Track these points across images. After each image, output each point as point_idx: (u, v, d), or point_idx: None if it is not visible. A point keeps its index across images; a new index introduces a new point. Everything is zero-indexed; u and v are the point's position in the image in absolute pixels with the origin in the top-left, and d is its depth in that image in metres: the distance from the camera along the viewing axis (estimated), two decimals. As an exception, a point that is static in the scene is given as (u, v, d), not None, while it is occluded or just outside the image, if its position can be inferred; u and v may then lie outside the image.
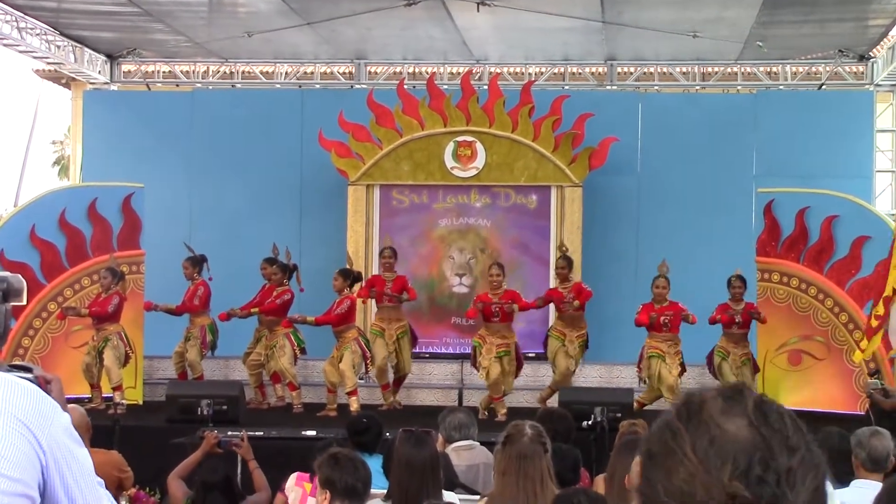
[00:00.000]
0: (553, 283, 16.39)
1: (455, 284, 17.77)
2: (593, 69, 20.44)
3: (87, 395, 15.30)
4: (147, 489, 9.94)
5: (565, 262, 15.55)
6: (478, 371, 15.20)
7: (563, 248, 16.02)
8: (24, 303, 3.20)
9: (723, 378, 14.85)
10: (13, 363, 2.90)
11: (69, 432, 2.64)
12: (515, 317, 15.31)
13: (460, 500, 7.03)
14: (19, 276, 3.05)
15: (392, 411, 15.10)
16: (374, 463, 7.21)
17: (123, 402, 15.23)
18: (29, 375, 2.77)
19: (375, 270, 17.40)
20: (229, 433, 9.43)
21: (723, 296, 15.13)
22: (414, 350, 16.00)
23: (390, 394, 15.69)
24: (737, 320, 15.05)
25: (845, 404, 15.14)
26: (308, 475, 7.59)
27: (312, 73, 20.80)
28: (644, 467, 1.70)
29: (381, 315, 15.72)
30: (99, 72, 20.20)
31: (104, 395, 15.42)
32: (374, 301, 15.98)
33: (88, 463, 2.67)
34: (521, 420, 6.20)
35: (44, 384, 2.79)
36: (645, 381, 15.09)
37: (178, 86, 20.94)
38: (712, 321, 14.99)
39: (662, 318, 14.77)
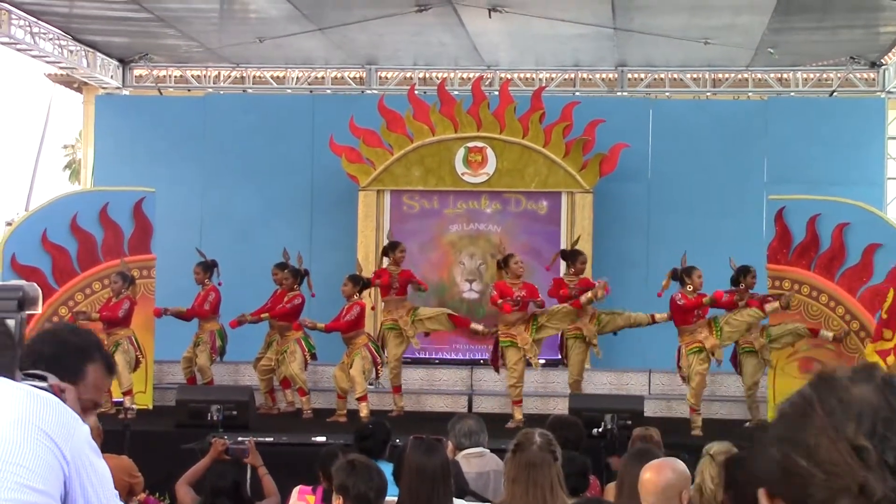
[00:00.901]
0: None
1: (465, 290, 17.76)
2: (604, 75, 20.44)
3: (97, 400, 15.29)
4: (157, 494, 9.97)
5: (585, 258, 15.46)
6: (499, 371, 15.11)
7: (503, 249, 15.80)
8: (40, 311, 3.21)
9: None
10: (28, 371, 2.91)
11: (90, 443, 2.66)
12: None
13: (470, 507, 7.03)
14: (34, 284, 3.06)
15: (401, 417, 15.05)
16: (385, 470, 7.21)
17: (133, 406, 15.23)
18: (44, 384, 2.78)
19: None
20: (238, 439, 9.43)
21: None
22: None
23: (400, 398, 15.65)
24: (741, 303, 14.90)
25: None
26: (310, 487, 7.60)
27: (323, 78, 20.81)
28: (774, 426, 1.77)
29: (389, 308, 15.61)
30: (111, 76, 20.24)
31: (114, 400, 15.42)
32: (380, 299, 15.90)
33: (107, 473, 2.69)
34: (531, 428, 6.20)
35: (58, 393, 2.80)
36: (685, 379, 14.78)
37: (189, 91, 20.97)
38: (729, 303, 14.72)
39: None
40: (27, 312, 3.01)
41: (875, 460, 1.65)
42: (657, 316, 14.93)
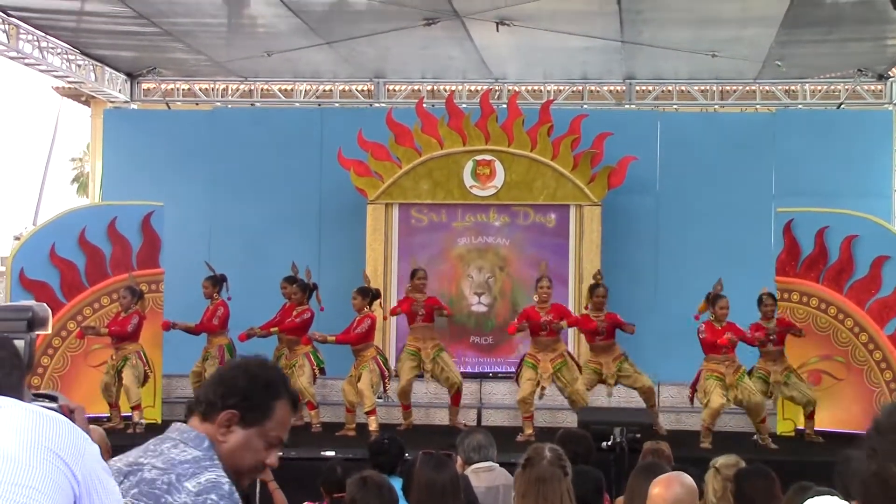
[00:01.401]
0: (573, 303, 16.37)
1: (474, 303, 17.75)
2: (612, 87, 20.43)
3: (105, 415, 15.34)
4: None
5: (605, 291, 15.40)
6: (518, 385, 15.13)
7: (598, 276, 15.81)
8: (49, 331, 3.22)
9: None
10: (38, 392, 2.92)
11: (101, 463, 2.67)
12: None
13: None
14: (44, 305, 3.07)
15: (410, 431, 15.06)
16: (395, 485, 7.21)
17: (142, 421, 15.25)
18: (54, 405, 2.79)
19: (395, 289, 17.49)
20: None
21: (741, 316, 14.97)
22: (472, 368, 15.91)
23: (409, 413, 15.67)
24: (772, 338, 14.89)
25: (866, 425, 15.06)
26: (316, 504, 7.61)
27: (331, 91, 20.83)
28: (871, 440, 1.85)
29: (416, 335, 15.63)
30: (119, 90, 20.27)
31: (123, 415, 15.44)
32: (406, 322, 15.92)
33: (117, 492, 2.70)
34: (541, 443, 6.20)
35: (68, 413, 2.81)
36: (702, 402, 14.62)
37: (197, 104, 21.00)
38: (753, 341, 14.75)
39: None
40: (37, 332, 3.01)
41: None
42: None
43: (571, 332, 16.21)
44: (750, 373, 14.71)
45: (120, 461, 3.33)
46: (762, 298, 14.92)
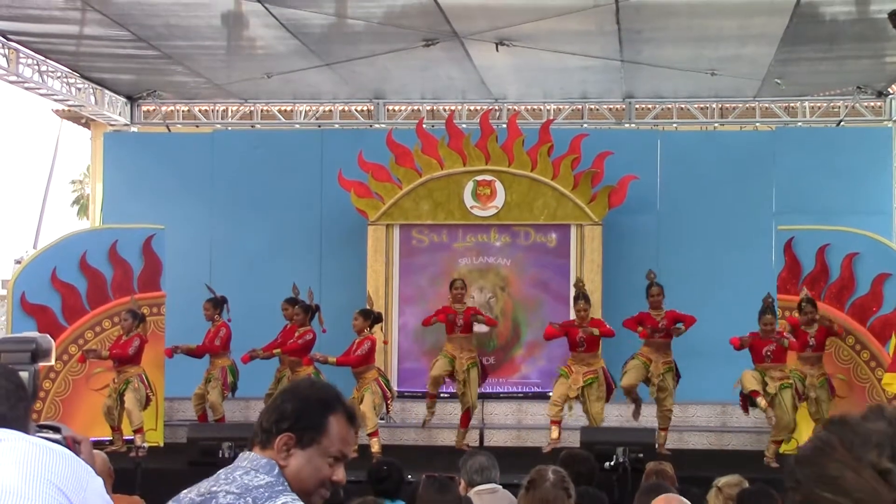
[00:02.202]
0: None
1: (475, 323, 17.74)
2: (611, 106, 20.45)
3: (108, 438, 15.33)
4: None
5: (660, 289, 15.45)
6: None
7: (580, 284, 15.94)
8: (52, 362, 3.23)
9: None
10: (42, 423, 2.92)
11: (103, 496, 2.66)
12: (600, 345, 15.36)
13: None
14: (48, 336, 3.07)
15: (413, 452, 15.05)
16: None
17: (145, 444, 15.25)
18: (58, 436, 2.79)
19: (396, 310, 17.49)
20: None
21: (744, 333, 14.93)
22: (480, 389, 15.95)
23: (433, 403, 15.69)
24: (811, 343, 14.82)
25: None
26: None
27: (331, 112, 20.85)
28: (793, 473, 1.86)
29: (453, 345, 15.64)
30: (119, 113, 20.28)
31: (125, 438, 15.43)
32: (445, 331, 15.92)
33: None
34: (544, 465, 6.19)
35: (72, 444, 2.80)
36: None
37: (197, 127, 21.01)
38: (797, 346, 14.74)
39: (766, 350, 14.64)
40: (41, 364, 3.01)
41: None
42: None
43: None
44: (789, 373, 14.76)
45: (191, 492, 3.37)
46: (801, 305, 14.87)
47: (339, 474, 3.39)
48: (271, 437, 3.38)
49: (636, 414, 15.55)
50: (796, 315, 14.97)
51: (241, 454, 3.45)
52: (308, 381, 3.60)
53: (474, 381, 15.55)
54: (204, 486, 3.37)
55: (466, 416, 15.72)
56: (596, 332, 15.09)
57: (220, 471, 3.40)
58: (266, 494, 3.27)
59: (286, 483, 3.32)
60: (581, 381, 14.92)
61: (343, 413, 3.45)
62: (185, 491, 3.43)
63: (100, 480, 2.67)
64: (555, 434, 14.90)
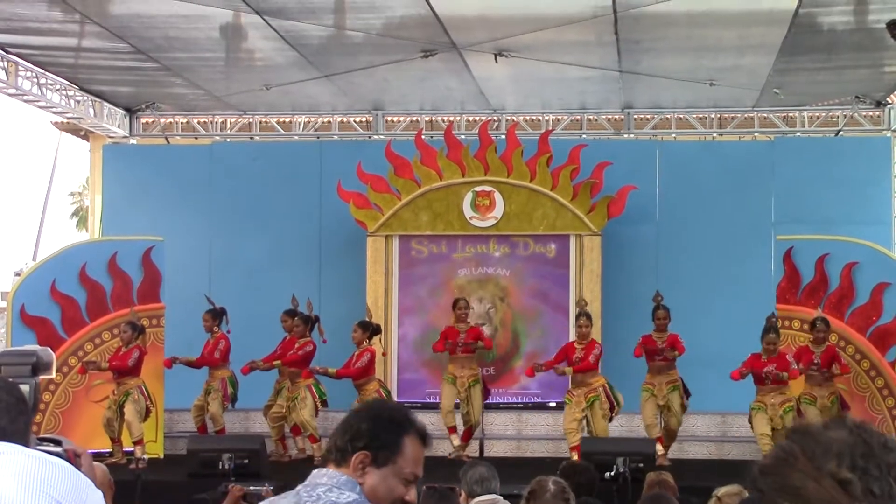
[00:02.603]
0: (573, 333, 16.33)
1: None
2: (610, 117, 20.46)
3: (108, 450, 15.32)
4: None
5: (666, 312, 15.47)
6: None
7: (583, 304, 15.94)
8: (53, 375, 3.23)
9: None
10: (43, 436, 2.92)
11: None
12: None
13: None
14: (48, 349, 3.08)
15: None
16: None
17: (145, 456, 15.25)
18: (59, 449, 2.79)
19: (396, 320, 17.47)
20: (251, 488, 9.40)
21: (742, 345, 14.93)
22: (485, 402, 15.97)
23: (457, 437, 15.68)
24: (816, 361, 14.77)
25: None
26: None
27: (330, 123, 20.85)
28: (756, 483, 1.87)
29: (454, 364, 15.73)
30: (118, 125, 20.28)
31: (125, 450, 15.42)
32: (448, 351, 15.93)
33: None
34: (545, 476, 6.19)
35: (73, 457, 2.81)
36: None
37: (196, 139, 21.01)
38: (795, 375, 14.64)
39: (765, 371, 14.54)
40: (41, 377, 3.01)
41: (860, 491, 1.75)
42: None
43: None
44: (798, 399, 14.74)
45: None
46: (815, 323, 14.87)
47: (412, 495, 3.39)
48: (346, 456, 3.36)
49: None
50: (808, 339, 14.95)
51: (314, 471, 3.42)
52: (381, 401, 3.60)
53: (476, 399, 15.62)
54: (287, 500, 3.35)
55: (468, 432, 15.79)
56: (675, 353, 15.19)
57: (299, 487, 3.38)
58: None
59: (367, 501, 3.32)
60: (584, 402, 14.90)
61: (416, 434, 3.45)
62: (265, 502, 3.44)
63: (99, 493, 2.67)
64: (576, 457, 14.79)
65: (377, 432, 3.39)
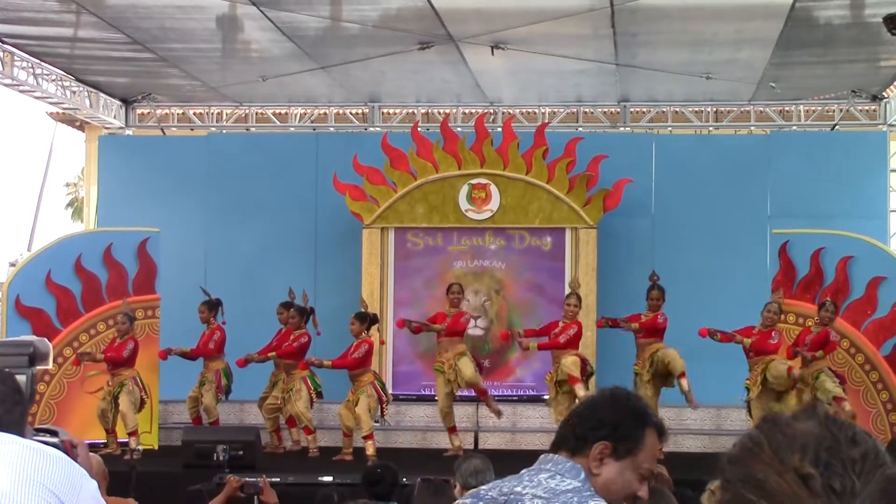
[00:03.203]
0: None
1: (470, 327, 17.71)
2: (606, 110, 20.44)
3: (102, 441, 15.32)
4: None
5: (660, 293, 15.41)
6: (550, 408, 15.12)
7: (575, 284, 15.87)
8: (49, 366, 3.22)
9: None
10: (39, 426, 2.91)
11: (96, 499, 2.65)
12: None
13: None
14: (45, 340, 3.07)
15: (410, 455, 15.01)
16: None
17: (139, 447, 15.24)
18: (55, 440, 2.78)
19: (391, 312, 17.46)
20: (246, 479, 9.41)
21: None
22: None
23: (457, 438, 15.56)
24: (807, 342, 14.68)
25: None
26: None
27: (326, 115, 20.82)
28: (724, 472, 1.84)
29: (441, 349, 15.57)
30: (114, 116, 20.26)
31: (120, 441, 15.42)
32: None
33: None
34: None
35: (69, 448, 2.80)
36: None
37: (192, 130, 20.99)
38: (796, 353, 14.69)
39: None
40: (38, 367, 3.01)
41: (821, 486, 1.71)
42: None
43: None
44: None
45: (492, 490, 3.27)
46: (825, 303, 14.82)
47: (645, 490, 3.34)
48: (585, 445, 3.29)
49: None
50: (814, 321, 14.93)
51: (542, 456, 3.34)
52: (625, 392, 3.49)
53: (465, 365, 15.16)
54: (507, 485, 3.27)
55: (482, 392, 15.48)
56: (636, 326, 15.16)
57: (523, 471, 3.32)
58: (574, 500, 3.19)
59: (593, 489, 3.24)
60: (556, 377, 14.85)
61: (655, 428, 3.38)
62: (484, 488, 3.33)
63: (94, 484, 2.67)
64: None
65: (620, 423, 3.32)
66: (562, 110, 20.16)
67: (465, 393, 16.97)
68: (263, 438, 15.19)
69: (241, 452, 13.52)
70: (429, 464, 13.50)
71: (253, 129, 20.77)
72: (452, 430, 15.55)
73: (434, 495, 6.35)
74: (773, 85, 18.19)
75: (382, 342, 16.60)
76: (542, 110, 20.15)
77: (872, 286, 15.46)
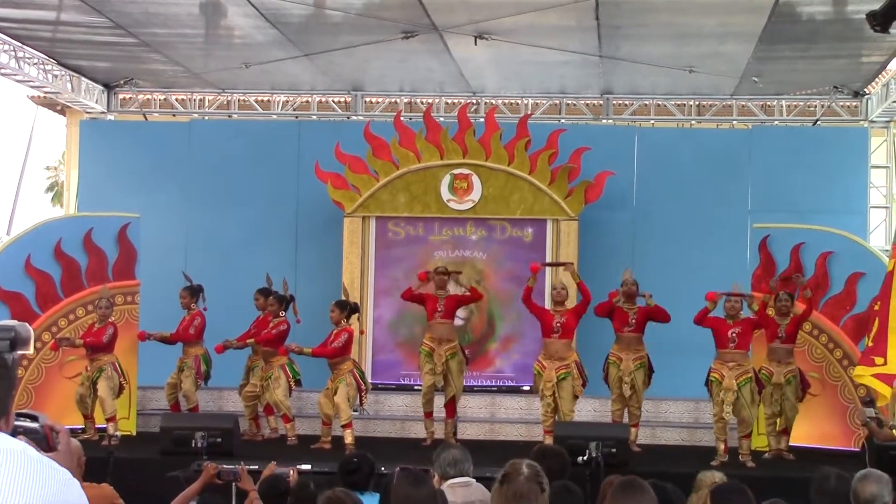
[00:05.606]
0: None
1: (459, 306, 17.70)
2: (589, 102, 20.46)
3: (80, 426, 15.28)
4: (141, 522, 9.90)
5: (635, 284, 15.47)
6: (540, 398, 15.07)
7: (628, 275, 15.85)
8: (31, 351, 3.20)
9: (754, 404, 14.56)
10: (19, 411, 2.90)
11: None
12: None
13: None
14: (27, 324, 3.05)
15: (389, 445, 15.01)
16: (371, 501, 7.20)
17: (117, 433, 15.22)
18: (35, 425, 2.77)
19: (371, 302, 17.47)
20: (224, 467, 9.39)
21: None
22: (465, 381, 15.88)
23: (431, 423, 15.57)
24: (780, 335, 14.78)
25: (840, 440, 15.16)
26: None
27: (308, 103, 20.80)
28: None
29: (432, 334, 15.49)
30: (96, 101, 20.21)
31: (98, 426, 15.38)
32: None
33: None
34: (518, 459, 6.18)
35: (50, 433, 2.79)
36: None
37: (174, 116, 20.95)
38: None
39: (731, 332, 14.52)
40: (19, 352, 2.99)
41: None
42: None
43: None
44: (758, 371, 14.67)
45: None
46: (780, 295, 14.81)
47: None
48: None
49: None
50: (771, 309, 14.93)
51: None
52: None
53: (456, 371, 15.32)
54: None
55: (451, 404, 15.52)
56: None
57: None
58: None
59: None
60: (554, 378, 14.81)
61: None
62: None
63: (76, 487, 2.60)
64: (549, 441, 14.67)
65: None
66: (545, 101, 20.19)
67: (442, 383, 17.00)
68: (242, 426, 15.17)
69: (219, 439, 13.52)
70: (407, 453, 13.51)
71: (235, 115, 20.74)
72: (428, 415, 15.56)
73: (413, 485, 6.33)
74: (756, 79, 18.24)
75: (363, 332, 16.58)
76: (525, 101, 20.17)
77: (851, 282, 15.50)
